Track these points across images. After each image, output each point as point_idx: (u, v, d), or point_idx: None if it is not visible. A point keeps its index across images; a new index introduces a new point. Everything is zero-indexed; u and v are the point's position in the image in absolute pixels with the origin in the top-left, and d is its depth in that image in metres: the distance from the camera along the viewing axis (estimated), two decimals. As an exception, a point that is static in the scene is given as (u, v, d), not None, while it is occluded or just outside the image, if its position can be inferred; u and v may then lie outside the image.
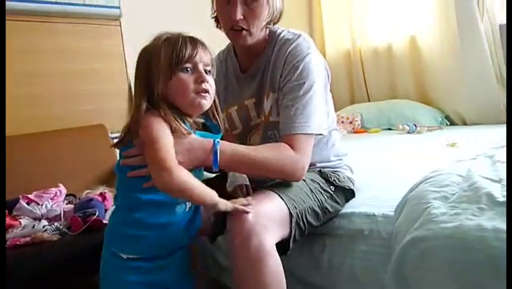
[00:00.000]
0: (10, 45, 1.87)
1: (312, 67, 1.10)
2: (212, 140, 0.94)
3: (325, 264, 1.16)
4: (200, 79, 0.89)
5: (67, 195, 1.67)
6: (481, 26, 2.36)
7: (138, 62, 0.93)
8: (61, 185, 1.67)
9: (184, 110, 0.91)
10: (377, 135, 2.60)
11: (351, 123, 2.76)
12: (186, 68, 0.88)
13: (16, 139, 1.82)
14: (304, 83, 1.08)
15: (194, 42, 0.90)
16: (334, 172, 1.22)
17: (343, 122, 2.79)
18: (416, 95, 2.81)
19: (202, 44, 0.92)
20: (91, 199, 1.49)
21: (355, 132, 2.70)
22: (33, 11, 1.93)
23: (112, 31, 2.18)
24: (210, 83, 0.92)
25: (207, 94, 0.91)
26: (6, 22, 1.82)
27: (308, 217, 1.06)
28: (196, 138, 0.93)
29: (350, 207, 1.20)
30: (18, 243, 1.32)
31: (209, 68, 0.93)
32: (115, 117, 2.16)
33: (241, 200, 0.95)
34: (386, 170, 1.57)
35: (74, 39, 2.07)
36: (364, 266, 1.07)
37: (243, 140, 1.25)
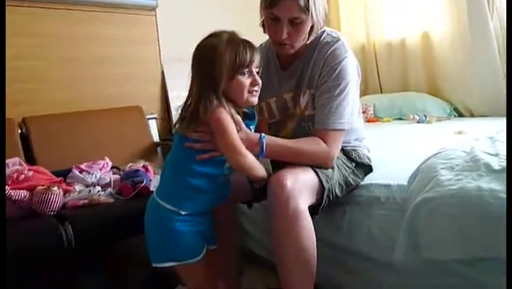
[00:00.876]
0: (56, 32, 2.07)
1: (348, 69, 1.23)
2: (258, 134, 1.13)
3: (345, 226, 1.35)
4: (254, 82, 1.07)
5: (111, 167, 1.88)
6: (491, 23, 2.50)
7: (200, 58, 1.06)
8: (107, 158, 1.88)
9: (239, 104, 1.08)
10: (389, 124, 2.76)
11: (364, 112, 2.91)
12: (244, 72, 1.04)
13: (63, 117, 2.03)
14: (340, 84, 1.22)
15: (251, 47, 1.06)
16: (354, 150, 1.39)
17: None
18: (426, 88, 2.95)
19: (256, 49, 1.07)
20: (138, 170, 1.69)
21: (368, 121, 2.85)
22: (75, 1, 2.12)
23: (148, 20, 2.36)
24: (259, 84, 1.09)
25: (257, 93, 1.09)
26: (51, 10, 2.03)
27: (336, 190, 1.24)
28: (246, 131, 1.11)
29: (368, 179, 1.38)
30: (78, 204, 1.53)
31: (258, 69, 1.09)
32: (150, 100, 2.36)
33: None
34: (398, 151, 1.75)
35: (112, 27, 2.26)
36: (380, 227, 1.25)
37: (279, 126, 1.41)
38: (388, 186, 1.30)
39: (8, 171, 1.65)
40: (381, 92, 3.26)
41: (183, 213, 1.07)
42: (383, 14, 3.18)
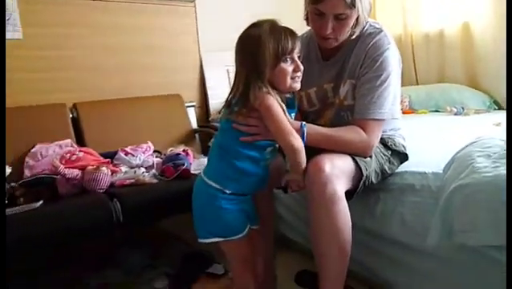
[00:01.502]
0: (103, 22, 2.19)
1: (390, 60, 1.24)
2: (299, 122, 1.18)
3: (378, 212, 1.39)
4: (297, 69, 1.11)
5: (153, 151, 1.99)
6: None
7: (244, 49, 1.10)
8: (149, 142, 1.99)
9: (282, 90, 1.13)
10: (425, 115, 2.72)
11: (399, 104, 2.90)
12: (286, 59, 1.09)
13: (110, 103, 2.16)
14: (381, 75, 1.23)
15: (292, 35, 1.10)
16: (390, 138, 1.41)
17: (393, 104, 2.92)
18: (464, 81, 2.88)
19: (297, 36, 1.12)
20: (179, 154, 1.79)
21: (403, 113, 2.83)
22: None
23: (188, 11, 2.45)
24: (301, 70, 1.13)
25: (299, 79, 1.14)
26: (102, 2, 2.14)
27: (373, 177, 1.28)
28: (288, 119, 1.14)
29: (402, 167, 1.41)
30: (124, 183, 1.65)
31: (299, 55, 1.13)
32: (189, 88, 2.46)
33: None
34: (434, 141, 1.75)
35: (156, 18, 2.35)
36: (413, 214, 1.28)
37: (318, 115, 1.45)
38: (422, 174, 1.32)
39: (61, 151, 1.80)
40: (417, 84, 3.21)
41: (228, 192, 1.14)
42: (420, 4, 3.12)
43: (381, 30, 1.29)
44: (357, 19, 1.23)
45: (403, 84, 3.21)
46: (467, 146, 1.23)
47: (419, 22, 3.15)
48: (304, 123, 1.18)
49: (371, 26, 1.30)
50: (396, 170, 1.41)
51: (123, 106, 2.14)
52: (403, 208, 1.32)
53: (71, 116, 2.00)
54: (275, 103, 1.08)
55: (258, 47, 1.07)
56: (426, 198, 1.26)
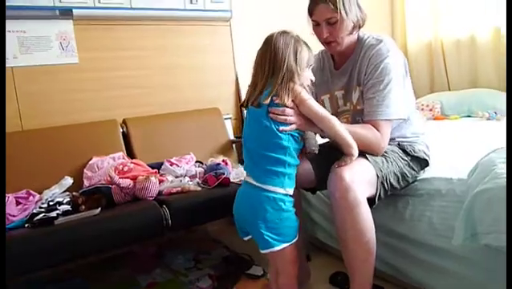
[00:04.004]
0: (151, 45, 2.40)
1: (390, 66, 1.37)
2: None
3: (407, 216, 1.47)
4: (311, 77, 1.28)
5: (195, 161, 2.15)
6: None
7: (276, 51, 1.20)
8: (192, 153, 2.16)
9: None
10: (456, 121, 2.74)
11: (430, 110, 2.92)
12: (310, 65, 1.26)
13: (156, 118, 2.35)
14: (383, 80, 1.36)
15: (307, 47, 1.26)
16: (410, 144, 1.50)
17: (422, 109, 2.96)
18: (497, 85, 2.88)
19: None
20: (219, 163, 1.94)
21: (434, 119, 2.86)
22: (166, 17, 2.42)
23: (224, 31, 2.62)
24: (312, 79, 1.28)
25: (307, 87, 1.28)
26: (149, 26, 2.35)
27: (391, 179, 1.38)
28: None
29: (430, 173, 1.49)
30: (172, 191, 1.81)
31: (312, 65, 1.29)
32: (225, 102, 2.63)
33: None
34: (463, 146, 1.81)
35: (195, 38, 2.53)
36: (441, 217, 1.36)
37: None
38: (448, 180, 1.40)
39: (115, 163, 1.99)
40: (449, 90, 3.23)
41: (290, 192, 1.23)
42: (450, 11, 3.15)
43: (381, 41, 1.41)
44: (355, 23, 1.40)
45: (434, 90, 3.28)
46: (490, 153, 1.30)
47: (449, 28, 3.18)
48: None
49: (373, 38, 1.45)
50: (424, 176, 1.49)
51: (167, 120, 2.33)
52: (431, 212, 1.40)
53: (121, 130, 2.20)
54: (307, 94, 1.23)
55: (296, 50, 1.21)
56: (452, 202, 1.34)
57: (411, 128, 1.53)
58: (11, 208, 1.66)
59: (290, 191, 1.24)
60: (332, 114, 1.52)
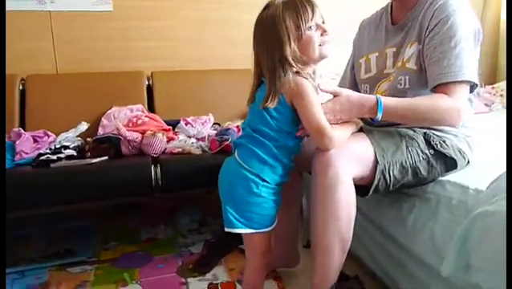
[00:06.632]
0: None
1: (463, 21, 1.12)
2: (373, 96, 1.09)
3: (410, 223, 1.22)
4: (323, 33, 1.06)
5: (213, 123, 2.06)
6: None
7: (262, 30, 1.05)
8: (210, 115, 2.07)
9: (313, 61, 1.07)
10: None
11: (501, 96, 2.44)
12: (311, 27, 1.03)
13: (182, 73, 2.29)
14: (455, 35, 1.11)
15: (309, 2, 1.03)
16: (440, 137, 1.21)
17: (501, 95, 2.48)
18: None
19: (314, 3, 1.05)
20: (228, 128, 1.83)
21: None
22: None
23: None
24: (327, 30, 1.06)
25: (328, 43, 1.06)
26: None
27: (395, 170, 1.12)
28: (352, 96, 1.09)
29: (448, 175, 1.21)
30: (173, 151, 1.76)
31: (322, 20, 1.06)
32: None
33: None
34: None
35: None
36: (444, 232, 1.09)
37: (372, 85, 1.35)
38: (464, 188, 1.10)
39: (130, 115, 2.00)
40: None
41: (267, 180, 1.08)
42: None
43: None
44: None
45: (500, 79, 2.70)
46: (519, 163, 0.98)
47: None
48: (379, 95, 1.10)
49: None
50: (440, 178, 1.21)
51: (194, 77, 2.25)
52: (435, 224, 1.13)
53: (146, 83, 2.19)
54: (310, 87, 1.02)
55: (276, 26, 1.01)
56: (460, 218, 1.05)
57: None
58: (26, 145, 1.76)
59: (268, 181, 1.08)
60: (375, 76, 1.36)
